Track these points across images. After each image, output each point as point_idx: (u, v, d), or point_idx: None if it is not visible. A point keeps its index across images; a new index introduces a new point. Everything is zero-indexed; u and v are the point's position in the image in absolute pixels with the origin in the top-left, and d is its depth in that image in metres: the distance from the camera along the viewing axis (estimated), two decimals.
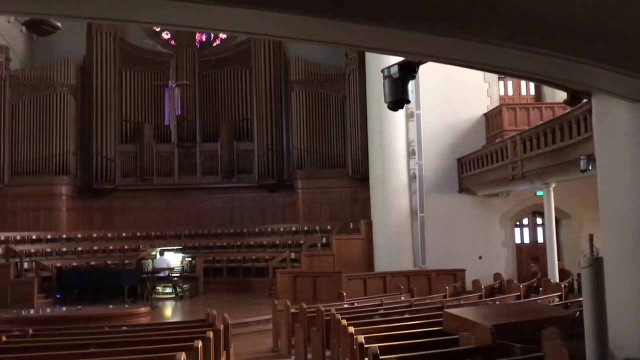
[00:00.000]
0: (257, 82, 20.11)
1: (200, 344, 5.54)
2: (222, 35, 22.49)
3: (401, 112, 16.29)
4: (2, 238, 17.29)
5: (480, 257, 16.30)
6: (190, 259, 17.12)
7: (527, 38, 2.91)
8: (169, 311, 14.70)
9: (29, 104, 19.14)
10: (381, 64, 16.25)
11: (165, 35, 22.26)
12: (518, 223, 17.20)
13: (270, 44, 20.07)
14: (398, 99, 3.85)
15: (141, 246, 18.28)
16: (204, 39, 22.28)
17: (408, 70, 3.70)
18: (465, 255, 16.01)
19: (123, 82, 20.19)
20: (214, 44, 22.36)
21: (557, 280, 12.42)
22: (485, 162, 14.66)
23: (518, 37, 2.87)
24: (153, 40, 21.91)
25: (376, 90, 16.49)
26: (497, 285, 13.06)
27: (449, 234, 16.30)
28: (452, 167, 16.58)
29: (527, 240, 17.32)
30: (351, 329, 6.42)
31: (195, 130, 20.20)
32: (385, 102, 4.05)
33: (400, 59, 3.80)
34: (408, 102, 3.91)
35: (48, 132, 19.02)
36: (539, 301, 9.26)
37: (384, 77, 3.91)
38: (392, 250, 15.92)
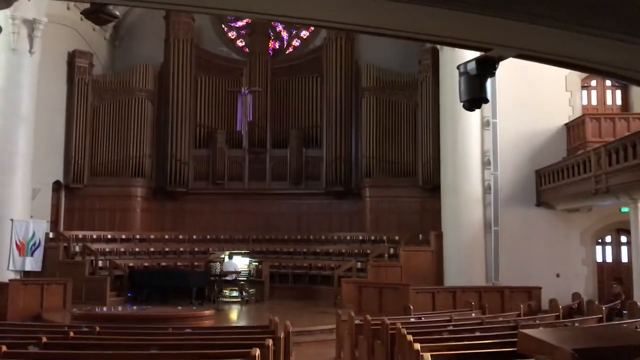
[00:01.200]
0: (327, 90, 20.03)
1: (258, 351, 5.36)
2: (295, 43, 22.61)
3: (476, 120, 15.74)
4: (80, 236, 17.99)
5: (558, 275, 15.40)
6: (257, 263, 17.16)
7: None
8: (234, 315, 14.74)
9: (109, 107, 19.90)
10: (455, 70, 15.85)
11: (240, 43, 22.60)
12: (600, 240, 16.13)
13: (342, 50, 19.95)
14: (475, 98, 3.52)
15: (210, 249, 18.56)
16: (277, 47, 22.46)
17: (487, 67, 3.37)
18: (542, 272, 15.16)
19: (198, 88, 20.64)
20: (287, 52, 22.49)
21: None
22: (567, 175, 13.83)
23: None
24: (228, 48, 22.29)
25: (449, 97, 15.99)
26: (576, 305, 12.25)
27: (525, 249, 15.50)
28: (530, 179, 15.77)
29: (609, 259, 16.20)
30: (417, 345, 6.06)
31: (265, 137, 20.34)
32: (461, 101, 3.73)
33: (476, 54, 3.48)
34: (486, 101, 3.58)
35: (126, 135, 19.69)
36: (625, 325, 8.53)
37: (460, 74, 3.60)
38: (463, 264, 15.30)
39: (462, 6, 2.25)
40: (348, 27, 2.80)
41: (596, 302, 11.15)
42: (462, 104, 3.69)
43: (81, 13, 2.72)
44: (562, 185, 14.29)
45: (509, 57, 3.23)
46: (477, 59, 3.42)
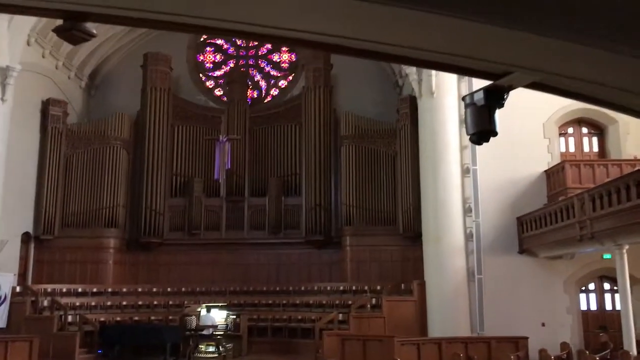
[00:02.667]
0: (306, 138, 19.93)
1: None
2: (273, 92, 22.64)
3: (456, 168, 15.70)
4: (49, 290, 17.21)
5: (543, 324, 15.08)
6: (234, 316, 16.53)
7: None
8: None
9: (82, 156, 19.45)
10: (435, 120, 15.92)
11: (218, 92, 22.55)
12: (583, 288, 15.96)
13: (321, 99, 19.99)
14: (483, 130, 3.31)
15: (185, 302, 17.88)
16: (255, 96, 22.46)
17: (495, 97, 3.18)
18: (527, 321, 14.83)
19: (175, 136, 20.37)
20: (265, 100, 22.49)
21: (635, 352, 11.21)
22: (549, 222, 13.73)
23: None
24: (205, 97, 22.20)
25: (429, 145, 16.01)
26: (565, 356, 11.94)
27: (509, 297, 15.22)
28: (512, 226, 15.64)
29: (593, 307, 15.99)
30: None
31: (244, 185, 20.03)
32: (468, 134, 3.51)
33: (481, 84, 3.28)
34: (495, 134, 3.37)
35: (100, 184, 19.19)
36: None
37: (466, 106, 3.40)
38: (448, 314, 14.92)
39: (488, 18, 2.03)
40: (340, 42, 2.53)
41: (587, 352, 10.84)
42: (469, 137, 3.47)
43: (53, 30, 2.47)
44: (545, 232, 14.17)
45: (522, 84, 3.03)
46: (485, 89, 3.22)
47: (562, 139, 16.72)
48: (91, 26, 2.69)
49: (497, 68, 2.78)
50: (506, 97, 3.20)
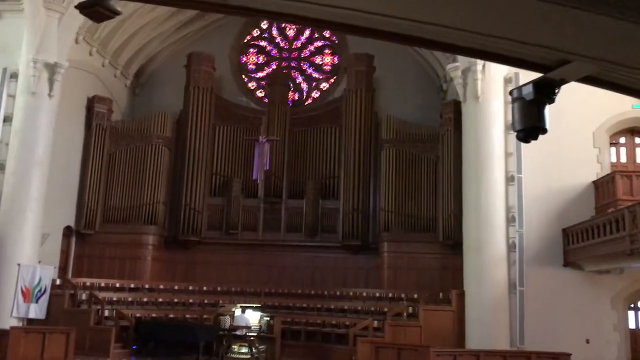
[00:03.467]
0: (346, 141, 19.72)
1: None
2: (315, 94, 22.52)
3: (500, 175, 15.19)
4: (88, 284, 17.45)
5: (587, 341, 14.42)
6: (268, 318, 16.39)
7: None
8: None
9: (125, 154, 19.72)
10: (480, 125, 15.45)
11: (259, 93, 22.58)
12: (632, 305, 15.22)
13: (362, 102, 19.74)
14: (532, 127, 3.04)
15: (220, 301, 17.86)
16: (296, 98, 22.39)
17: (546, 91, 2.90)
18: (569, 337, 14.23)
19: (215, 136, 20.46)
20: (306, 103, 22.39)
21: None
22: (597, 234, 13.09)
23: None
24: (247, 98, 22.24)
25: (473, 151, 15.55)
26: None
27: (551, 311, 14.61)
28: (556, 237, 15.02)
29: None
30: None
31: (282, 187, 19.94)
32: (514, 131, 3.24)
33: (531, 77, 3.00)
34: (544, 131, 3.09)
35: (141, 182, 19.42)
36: None
37: (513, 100, 3.13)
38: (487, 326, 14.41)
39: None
40: (385, 23, 2.28)
41: None
42: (516, 134, 3.19)
43: (76, 7, 2.36)
44: (592, 245, 13.53)
45: (577, 77, 2.74)
46: (534, 82, 2.95)
47: (613, 149, 15.99)
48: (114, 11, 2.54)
49: (552, 56, 2.49)
50: (557, 92, 2.92)
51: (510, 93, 3.22)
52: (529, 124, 3.03)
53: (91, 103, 19.43)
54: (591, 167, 15.33)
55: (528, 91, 2.96)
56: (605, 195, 14.62)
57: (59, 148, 17.07)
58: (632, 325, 15.07)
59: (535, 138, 3.11)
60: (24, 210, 15.56)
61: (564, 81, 2.84)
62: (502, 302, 14.64)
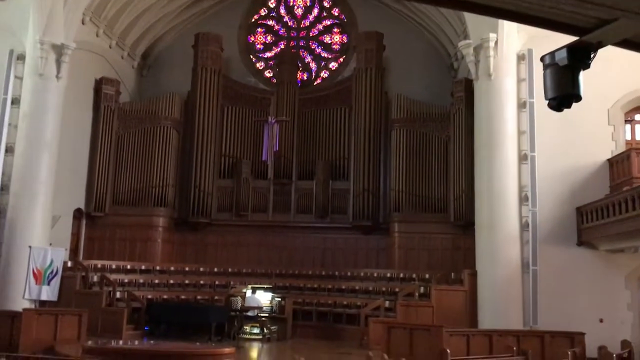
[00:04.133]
0: (356, 121, 19.52)
1: None
2: (324, 74, 22.28)
3: (513, 154, 14.97)
4: (99, 266, 17.49)
5: (601, 321, 14.30)
6: (279, 299, 16.38)
7: None
8: (255, 353, 13.97)
9: (133, 135, 19.62)
10: (492, 103, 15.19)
11: (268, 74, 22.36)
12: None
13: (372, 81, 19.50)
14: (565, 94, 2.87)
15: (232, 282, 17.87)
16: (305, 78, 22.14)
17: (581, 56, 2.74)
18: (583, 316, 14.09)
19: (224, 117, 20.30)
20: (315, 83, 22.15)
21: None
22: (612, 212, 12.90)
23: None
24: (255, 78, 22.04)
25: (485, 130, 15.34)
26: (627, 354, 11.21)
27: (565, 291, 14.49)
28: (570, 216, 14.83)
29: None
30: None
31: (291, 168, 19.81)
32: (546, 99, 3.08)
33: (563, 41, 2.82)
34: (579, 98, 2.93)
35: (150, 163, 19.34)
36: None
37: (545, 67, 2.96)
38: (499, 306, 14.31)
39: None
40: None
41: None
42: (548, 102, 3.03)
43: None
44: (607, 224, 13.35)
45: (616, 40, 2.57)
46: (569, 46, 2.78)
47: (628, 126, 15.75)
48: None
49: (596, 12, 2.31)
50: (593, 57, 2.75)
51: (542, 59, 3.06)
52: (563, 91, 2.86)
53: (99, 85, 19.30)
54: (606, 145, 15.09)
55: (562, 56, 2.79)
56: (620, 173, 14.40)
57: (68, 130, 17.00)
58: None
59: (569, 106, 2.95)
60: (34, 193, 15.56)
61: (600, 44, 2.67)
62: (515, 281, 14.52)
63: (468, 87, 17.27)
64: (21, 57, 16.16)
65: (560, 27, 2.60)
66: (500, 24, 14.95)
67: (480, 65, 15.34)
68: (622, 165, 14.40)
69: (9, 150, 15.76)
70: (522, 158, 14.96)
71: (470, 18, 15.52)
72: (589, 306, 14.39)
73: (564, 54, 2.78)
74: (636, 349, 12.58)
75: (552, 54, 2.90)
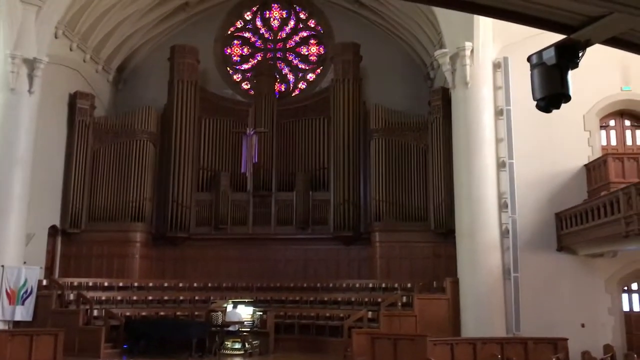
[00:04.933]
0: (335, 131, 19.48)
1: None
2: (301, 85, 22.24)
3: (491, 161, 15.05)
4: (75, 284, 17.07)
5: (583, 325, 14.38)
6: (261, 313, 16.16)
7: None
8: None
9: (109, 150, 19.31)
10: (469, 111, 15.26)
11: (245, 86, 22.25)
12: (626, 288, 15.19)
13: (350, 92, 19.51)
14: (554, 94, 2.82)
15: (212, 297, 17.59)
16: (283, 89, 22.08)
17: (569, 54, 2.69)
18: (565, 322, 14.16)
19: (202, 130, 20.11)
20: (293, 94, 22.09)
21: None
22: (591, 217, 13.00)
23: None
24: (233, 90, 21.91)
25: (463, 138, 15.41)
26: (609, 358, 11.25)
27: (546, 297, 14.54)
28: (549, 222, 14.93)
29: (636, 308, 15.21)
30: None
31: (271, 179, 19.66)
32: (535, 99, 3.02)
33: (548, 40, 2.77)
34: (568, 98, 2.87)
35: (126, 178, 19.03)
36: None
37: (533, 67, 2.91)
38: (482, 313, 14.30)
39: None
40: None
41: (635, 355, 10.18)
42: (536, 103, 2.97)
43: None
44: (586, 229, 13.45)
45: (604, 38, 2.53)
46: (557, 45, 2.73)
47: (603, 132, 15.94)
48: None
49: (585, 10, 2.26)
50: (582, 55, 2.70)
51: (529, 59, 3.00)
52: (551, 90, 2.81)
53: (73, 99, 18.98)
54: (582, 151, 15.26)
55: (549, 55, 2.74)
56: (598, 179, 14.56)
57: (42, 146, 16.66)
58: (626, 307, 15.05)
59: (558, 107, 2.90)
60: (7, 210, 15.19)
61: (589, 43, 2.62)
62: (497, 288, 14.54)
63: (445, 95, 17.37)
64: None
65: (547, 25, 2.55)
66: (475, 32, 15.08)
67: (457, 73, 15.44)
68: (599, 171, 14.56)
69: None
70: (501, 165, 15.04)
71: (445, 27, 15.63)
72: (571, 311, 14.45)
73: (551, 52, 2.73)
74: (618, 353, 12.66)
75: (539, 53, 2.85)
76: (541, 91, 2.87)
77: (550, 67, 2.75)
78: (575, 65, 2.78)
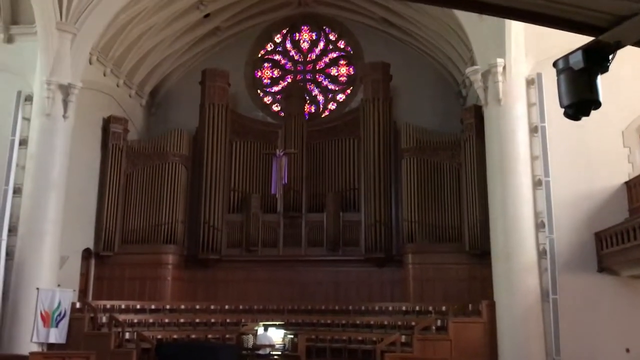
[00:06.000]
0: (365, 151, 19.30)
1: None
2: (331, 106, 22.20)
3: (527, 180, 14.61)
4: (108, 306, 17.15)
5: (627, 350, 13.71)
6: (292, 336, 15.92)
7: None
8: None
9: (142, 173, 19.52)
10: (503, 129, 14.91)
11: (275, 108, 22.33)
12: None
13: (380, 111, 19.36)
14: (582, 100, 2.61)
15: (243, 320, 17.45)
16: (312, 110, 22.07)
17: (598, 58, 2.48)
18: (607, 346, 13.57)
19: (233, 152, 20.19)
20: (323, 115, 22.06)
21: None
22: (633, 237, 12.46)
23: None
24: (263, 112, 22.01)
25: (497, 156, 15.03)
26: None
27: (587, 320, 13.93)
28: (589, 242, 14.36)
29: None
30: None
31: (301, 200, 19.54)
32: (562, 106, 2.80)
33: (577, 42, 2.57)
34: (598, 104, 2.65)
35: (158, 201, 19.18)
36: None
37: (559, 72, 2.71)
38: (520, 338, 13.76)
39: None
40: None
41: None
42: (564, 110, 2.76)
43: None
44: (628, 249, 12.88)
45: (637, 38, 2.32)
46: (584, 48, 2.53)
47: None
48: None
49: (613, 8, 2.06)
50: (612, 59, 2.50)
51: (555, 64, 2.80)
52: (579, 97, 2.59)
53: (107, 123, 19.32)
54: (622, 168, 14.70)
55: (577, 59, 2.54)
56: (639, 196, 13.98)
57: (76, 170, 16.92)
58: None
59: (587, 114, 2.68)
60: (42, 234, 15.38)
61: (619, 45, 2.42)
62: (535, 311, 13.99)
63: (477, 113, 17.05)
64: (29, 98, 16.19)
65: (572, 26, 2.36)
66: (507, 48, 14.80)
67: (489, 91, 15.13)
68: None
69: (17, 191, 15.64)
70: (537, 184, 14.59)
71: (476, 43, 15.40)
72: (614, 335, 13.81)
73: (579, 56, 2.53)
74: None
75: (565, 57, 2.65)
76: (569, 98, 2.66)
77: (578, 71, 2.55)
78: (605, 69, 2.57)
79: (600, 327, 13.87)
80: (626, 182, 14.53)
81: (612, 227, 13.58)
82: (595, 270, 14.24)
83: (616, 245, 13.37)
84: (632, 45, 2.41)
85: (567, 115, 2.80)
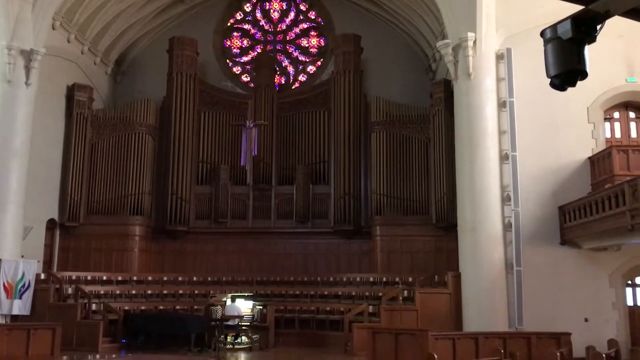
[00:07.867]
0: (335, 124, 19.28)
1: None
2: (302, 78, 22.02)
3: (494, 154, 14.84)
4: (74, 277, 16.92)
5: (586, 320, 14.22)
6: (261, 307, 16.00)
7: None
8: None
9: (108, 143, 19.12)
10: (472, 103, 15.04)
11: (245, 78, 22.04)
12: (630, 282, 15.01)
13: (350, 84, 19.29)
14: (570, 70, 2.63)
15: (211, 291, 17.44)
16: (283, 82, 21.86)
17: (586, 27, 2.49)
18: (568, 316, 14.03)
19: (201, 123, 19.91)
20: (293, 86, 21.88)
21: None
22: (595, 210, 12.81)
23: None
24: (232, 83, 21.70)
25: (465, 130, 15.19)
26: (614, 354, 11.08)
27: (549, 291, 14.38)
28: (553, 215, 14.75)
29: None
30: None
31: (271, 173, 19.47)
32: (549, 77, 2.82)
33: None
34: (585, 75, 2.68)
35: (125, 171, 18.86)
36: None
37: (546, 42, 2.71)
38: (484, 308, 14.13)
39: None
40: None
41: None
42: (550, 81, 2.78)
43: None
44: (590, 222, 13.26)
45: (627, 7, 2.33)
46: (573, 17, 2.54)
47: (607, 124, 15.73)
48: None
49: None
50: (600, 28, 2.51)
51: (542, 34, 2.81)
52: (567, 67, 2.62)
53: (71, 91, 18.78)
54: (586, 143, 15.07)
55: (565, 29, 2.55)
56: (602, 171, 14.37)
57: (39, 138, 16.48)
58: (630, 302, 14.87)
59: (574, 84, 2.71)
60: (4, 203, 15.02)
61: (608, 14, 2.43)
62: (499, 282, 14.37)
63: (447, 88, 17.17)
64: None
65: None
66: (478, 23, 14.86)
67: (460, 65, 15.22)
68: (603, 163, 14.37)
69: None
70: (504, 158, 14.84)
71: (448, 17, 15.41)
72: (574, 305, 14.31)
73: (567, 25, 2.54)
74: (622, 348, 12.50)
75: (554, 26, 2.66)
76: (556, 68, 2.67)
77: (566, 41, 2.56)
78: (592, 39, 2.59)
79: (562, 297, 14.34)
80: (590, 158, 14.90)
81: (575, 201, 13.95)
82: (558, 242, 14.67)
83: (579, 219, 13.75)
84: (621, 15, 2.44)
85: (553, 85, 2.83)
